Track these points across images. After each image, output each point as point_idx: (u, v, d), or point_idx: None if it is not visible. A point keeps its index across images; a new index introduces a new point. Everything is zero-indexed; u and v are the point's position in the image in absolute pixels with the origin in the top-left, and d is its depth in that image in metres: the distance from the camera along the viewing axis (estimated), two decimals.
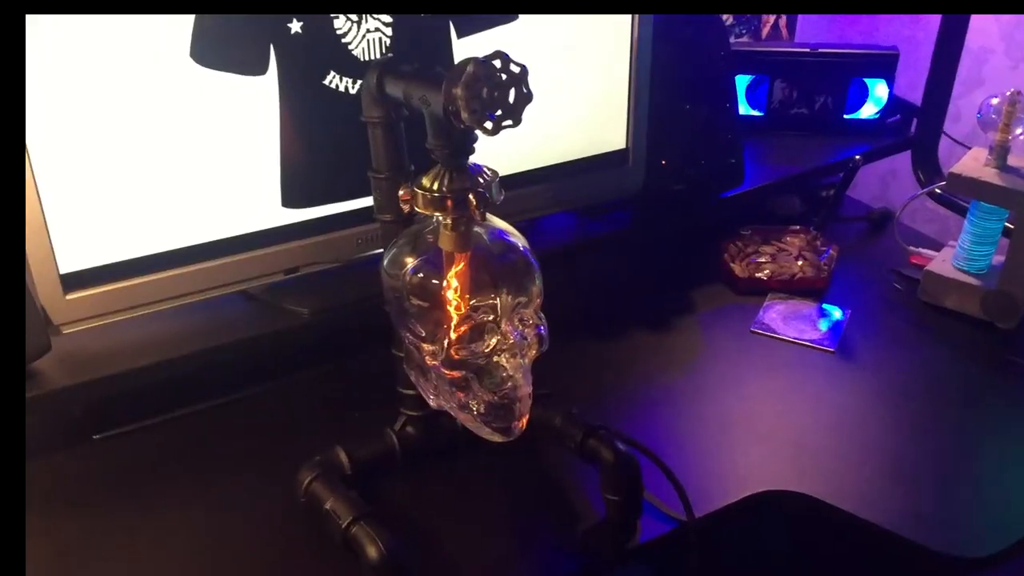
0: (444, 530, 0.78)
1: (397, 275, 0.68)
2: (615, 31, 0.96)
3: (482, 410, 0.69)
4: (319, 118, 0.85)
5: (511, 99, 0.60)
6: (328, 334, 0.93)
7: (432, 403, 0.72)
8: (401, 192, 0.67)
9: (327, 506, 0.73)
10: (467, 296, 0.67)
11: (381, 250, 0.88)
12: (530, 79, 0.60)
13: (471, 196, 0.64)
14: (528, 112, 0.81)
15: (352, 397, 0.92)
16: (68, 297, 0.79)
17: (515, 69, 0.59)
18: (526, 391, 0.70)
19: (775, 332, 1.02)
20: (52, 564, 0.75)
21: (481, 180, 0.66)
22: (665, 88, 1.00)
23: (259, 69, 0.80)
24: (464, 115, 0.59)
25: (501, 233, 0.69)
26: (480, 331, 0.68)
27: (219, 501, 0.81)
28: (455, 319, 0.67)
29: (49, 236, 0.76)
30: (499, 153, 0.90)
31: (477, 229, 0.68)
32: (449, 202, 0.64)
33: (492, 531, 0.78)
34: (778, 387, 0.95)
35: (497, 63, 0.59)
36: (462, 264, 0.67)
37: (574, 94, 0.96)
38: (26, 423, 0.84)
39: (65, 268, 0.78)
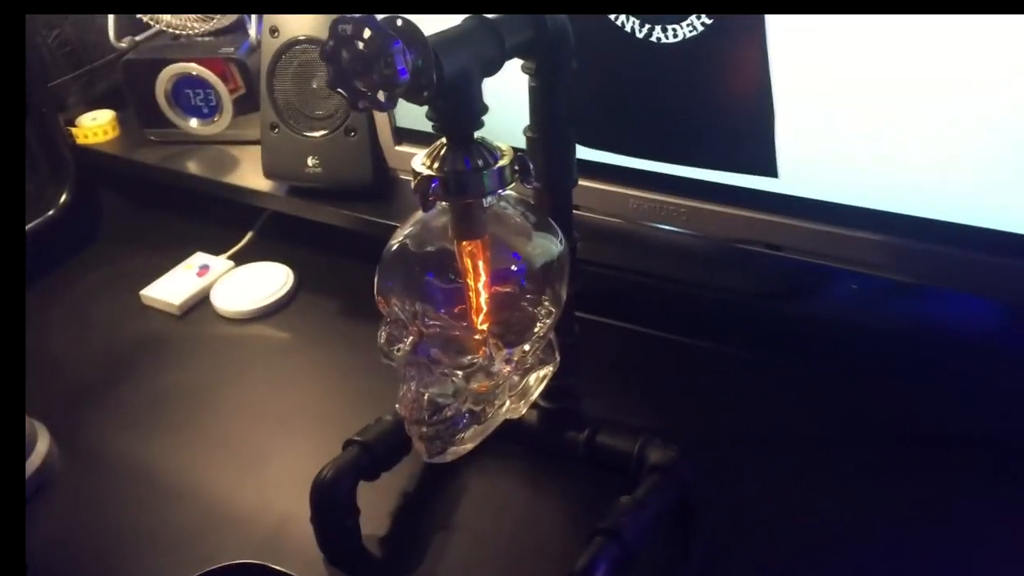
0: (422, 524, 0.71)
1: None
2: None
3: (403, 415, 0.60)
4: (598, 54, 0.72)
5: (375, 75, 0.48)
6: None
7: None
8: None
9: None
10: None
11: (672, 228, 0.78)
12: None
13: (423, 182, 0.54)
14: (882, 130, 0.63)
15: None
16: (397, 148, 0.90)
17: (371, 40, 0.47)
18: (442, 418, 0.58)
19: None
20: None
21: (479, 163, 0.54)
22: None
23: None
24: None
25: None
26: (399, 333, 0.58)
27: None
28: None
29: None
30: (852, 177, 0.68)
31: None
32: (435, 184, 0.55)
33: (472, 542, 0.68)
34: None
35: (347, 27, 0.47)
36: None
37: (964, 120, 0.60)
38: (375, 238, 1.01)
39: (400, 124, 0.89)
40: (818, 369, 0.76)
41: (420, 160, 0.55)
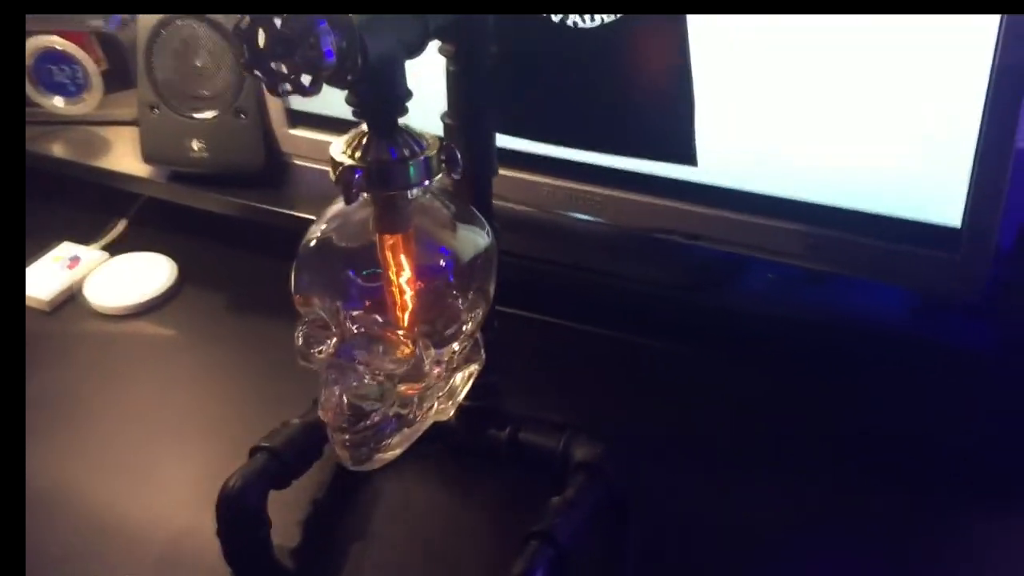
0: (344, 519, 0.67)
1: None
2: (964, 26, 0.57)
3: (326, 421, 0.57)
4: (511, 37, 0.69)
5: (298, 57, 0.44)
6: None
7: None
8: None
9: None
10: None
11: (587, 217, 0.76)
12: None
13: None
14: (810, 122, 0.63)
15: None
16: (291, 131, 0.85)
17: (293, 19, 0.43)
18: (368, 425, 0.55)
19: None
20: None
21: (405, 152, 0.51)
22: None
23: None
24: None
25: None
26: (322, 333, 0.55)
27: None
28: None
29: None
30: (763, 166, 0.67)
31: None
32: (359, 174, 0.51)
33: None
34: None
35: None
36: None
37: (875, 112, 0.61)
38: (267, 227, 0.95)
39: (294, 106, 0.84)
40: (737, 359, 0.76)
41: (340, 148, 0.51)
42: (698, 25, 0.63)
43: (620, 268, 0.76)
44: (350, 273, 0.54)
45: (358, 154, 0.51)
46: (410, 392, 0.54)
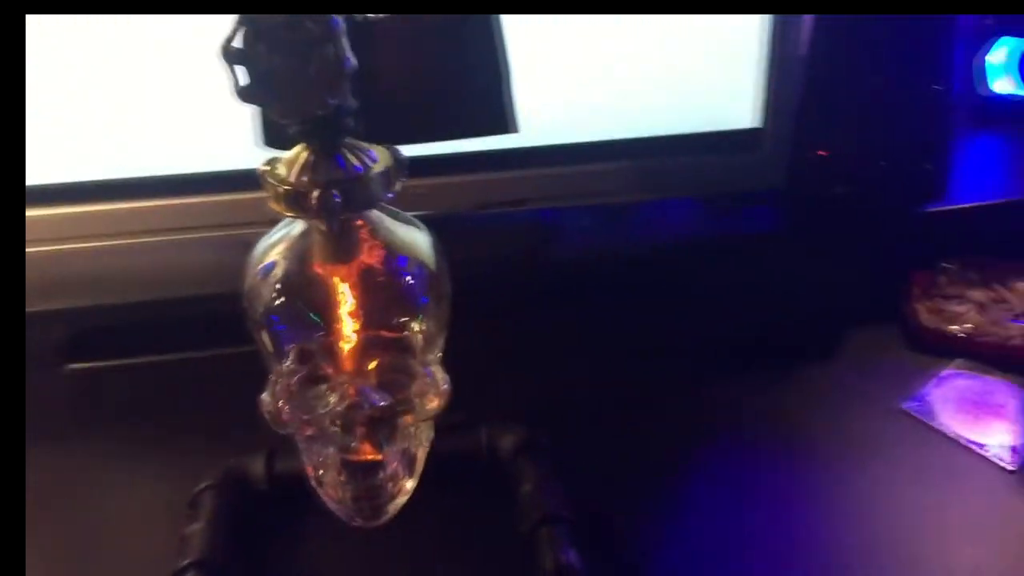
0: None
1: (252, 274, 0.49)
2: None
3: (325, 482, 0.50)
4: None
5: (315, 68, 0.38)
6: None
7: None
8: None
9: (185, 530, 0.58)
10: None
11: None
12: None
13: (314, 195, 0.44)
14: (610, 64, 0.65)
15: None
16: None
17: (311, 26, 0.37)
18: (390, 472, 0.50)
19: (933, 419, 0.70)
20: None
21: (369, 164, 0.46)
22: (836, 52, 0.69)
23: None
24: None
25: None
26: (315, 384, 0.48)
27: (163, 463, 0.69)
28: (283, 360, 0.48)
29: None
30: (574, 117, 0.69)
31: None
32: (312, 199, 0.44)
33: None
34: (910, 507, 0.63)
35: (273, 20, 0.37)
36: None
37: (682, 44, 0.69)
38: None
39: None
40: (574, 306, 0.78)
41: (292, 174, 0.45)
42: None
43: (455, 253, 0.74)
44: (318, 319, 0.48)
45: (317, 177, 0.45)
46: (423, 420, 0.50)
